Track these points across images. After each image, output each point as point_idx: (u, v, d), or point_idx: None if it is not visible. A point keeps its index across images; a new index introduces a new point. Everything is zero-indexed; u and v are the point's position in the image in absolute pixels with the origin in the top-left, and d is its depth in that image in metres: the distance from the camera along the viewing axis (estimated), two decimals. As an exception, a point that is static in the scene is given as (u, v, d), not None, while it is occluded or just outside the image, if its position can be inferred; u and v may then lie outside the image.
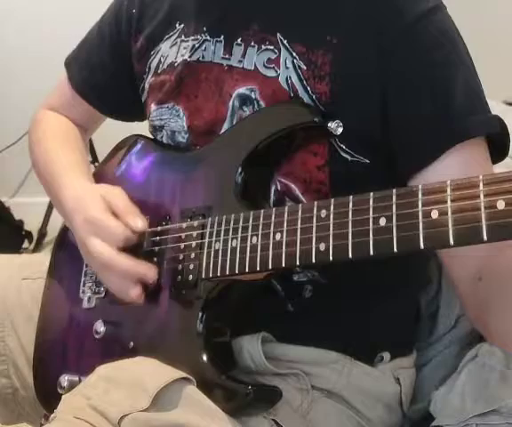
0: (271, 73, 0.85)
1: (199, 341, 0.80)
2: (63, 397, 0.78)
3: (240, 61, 0.88)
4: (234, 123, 0.89)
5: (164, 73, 0.97)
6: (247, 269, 0.76)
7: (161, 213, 0.90)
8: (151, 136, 1.02)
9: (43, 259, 1.11)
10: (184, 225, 0.86)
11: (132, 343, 0.88)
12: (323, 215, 0.71)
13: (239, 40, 0.89)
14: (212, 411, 0.75)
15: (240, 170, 0.84)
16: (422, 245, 0.63)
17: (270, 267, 0.75)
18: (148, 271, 0.85)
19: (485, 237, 0.59)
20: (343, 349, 0.89)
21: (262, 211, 0.77)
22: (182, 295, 0.84)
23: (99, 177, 1.03)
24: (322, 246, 0.70)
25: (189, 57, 0.93)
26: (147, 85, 1.01)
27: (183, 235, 0.86)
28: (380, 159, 0.83)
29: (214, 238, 0.81)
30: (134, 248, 0.87)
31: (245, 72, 0.87)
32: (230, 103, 0.89)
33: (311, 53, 0.83)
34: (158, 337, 0.85)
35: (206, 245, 0.82)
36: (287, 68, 0.84)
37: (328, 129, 0.80)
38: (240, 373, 0.85)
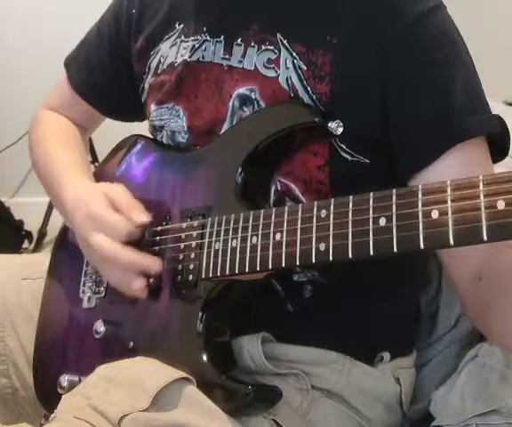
0: (271, 73, 0.85)
1: (199, 341, 0.80)
2: (63, 397, 0.78)
3: (240, 62, 0.88)
4: (234, 123, 0.89)
5: (163, 73, 0.97)
6: (247, 269, 0.76)
7: (161, 213, 0.90)
8: (151, 136, 1.02)
9: (43, 259, 1.11)
10: (184, 225, 0.86)
11: (131, 343, 0.88)
12: (323, 215, 0.71)
13: (239, 40, 0.89)
14: (212, 411, 0.75)
15: (240, 170, 0.84)
16: (422, 245, 0.63)
17: (270, 267, 0.75)
18: (153, 263, 0.85)
19: (485, 238, 0.59)
20: (343, 349, 0.89)
21: (262, 211, 0.77)
22: (182, 295, 0.84)
23: (99, 177, 1.03)
24: (322, 246, 0.70)
25: (189, 57, 0.93)
26: (146, 86, 1.01)
27: (183, 235, 0.86)
28: (380, 159, 0.83)
29: (214, 238, 0.81)
30: (136, 244, 0.87)
31: (245, 72, 0.87)
32: (230, 103, 0.89)
33: (311, 53, 0.83)
34: (158, 337, 0.85)
35: (206, 245, 0.82)
36: (287, 68, 0.84)
37: (328, 129, 0.80)
38: (240, 373, 0.85)
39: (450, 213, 0.61)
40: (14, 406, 1.08)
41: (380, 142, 0.82)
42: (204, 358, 0.79)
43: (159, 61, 0.98)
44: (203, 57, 0.92)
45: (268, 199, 0.86)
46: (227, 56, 0.90)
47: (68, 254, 1.05)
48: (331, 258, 0.69)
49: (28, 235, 2.75)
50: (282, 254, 0.73)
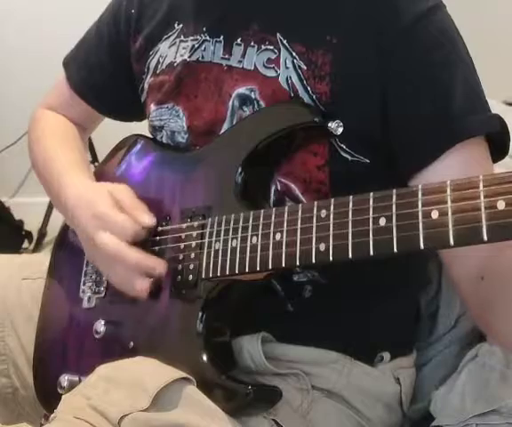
0: (271, 73, 0.85)
1: (199, 341, 0.80)
2: (63, 397, 0.78)
3: (240, 61, 0.88)
4: (234, 123, 0.89)
5: (162, 73, 0.97)
6: (247, 270, 0.76)
7: (161, 214, 0.90)
8: (151, 136, 1.02)
9: (43, 259, 1.11)
10: (184, 225, 0.86)
11: (132, 343, 0.88)
12: (323, 215, 0.71)
13: (239, 40, 0.89)
14: (212, 411, 0.75)
15: (240, 170, 0.84)
16: (422, 246, 0.63)
17: (270, 267, 0.75)
18: (158, 265, 0.85)
19: (485, 238, 0.59)
20: (343, 349, 0.89)
21: (262, 211, 0.77)
22: (182, 295, 0.84)
23: (99, 177, 1.03)
24: (322, 246, 0.70)
25: (189, 57, 0.93)
26: (146, 86, 1.01)
27: (183, 235, 0.86)
28: (380, 159, 0.83)
29: (214, 238, 0.81)
30: (140, 245, 0.87)
31: (245, 72, 0.87)
32: (230, 103, 0.89)
33: (311, 53, 0.83)
34: (158, 337, 0.85)
35: (206, 245, 0.82)
36: (287, 67, 0.84)
37: (328, 129, 0.80)
38: (240, 373, 0.85)
39: (450, 213, 0.61)
40: (14, 406, 1.08)
41: (380, 142, 0.82)
42: (204, 358, 0.79)
43: (158, 61, 0.98)
44: (202, 57, 0.92)
45: (268, 199, 0.86)
46: (226, 56, 0.90)
47: (67, 254, 1.05)
48: (331, 258, 0.69)
49: (28, 235, 2.75)
50: (282, 254, 0.73)
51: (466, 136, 0.79)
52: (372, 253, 0.66)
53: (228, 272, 0.78)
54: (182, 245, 0.85)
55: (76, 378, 0.92)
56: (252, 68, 0.87)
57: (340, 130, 0.80)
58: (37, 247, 2.69)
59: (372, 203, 0.67)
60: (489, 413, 0.82)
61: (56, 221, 1.67)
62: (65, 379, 0.93)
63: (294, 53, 0.84)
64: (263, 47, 0.87)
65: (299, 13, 0.86)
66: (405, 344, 0.97)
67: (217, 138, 0.90)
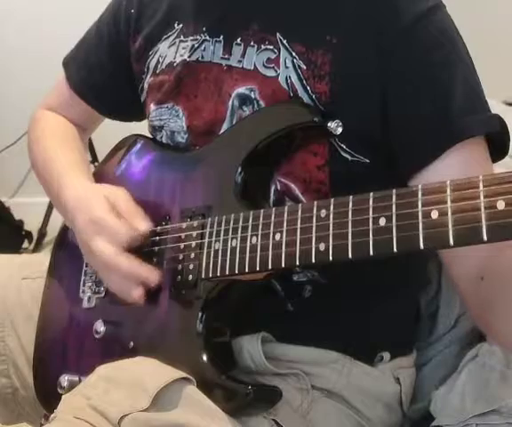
0: (271, 73, 0.85)
1: (199, 341, 0.80)
2: (63, 397, 0.78)
3: (239, 61, 0.88)
4: (233, 123, 0.89)
5: (162, 73, 0.97)
6: (247, 270, 0.76)
7: (161, 213, 0.90)
8: (151, 136, 1.02)
9: (43, 259, 1.11)
10: (184, 225, 0.86)
11: (132, 343, 0.88)
12: (322, 215, 0.71)
13: (239, 40, 0.89)
14: (212, 411, 0.75)
15: (240, 170, 0.84)
16: (422, 246, 0.63)
17: (270, 267, 0.74)
18: (151, 274, 0.85)
19: (485, 238, 0.59)
20: (343, 349, 0.89)
21: (262, 211, 0.77)
22: (182, 295, 0.84)
23: (98, 177, 1.03)
24: (321, 246, 0.70)
25: (189, 57, 0.93)
26: (146, 86, 1.01)
27: (183, 235, 0.86)
28: (380, 159, 0.83)
29: (214, 238, 0.81)
30: (137, 249, 0.87)
31: (245, 72, 0.87)
32: (230, 103, 0.89)
33: (311, 53, 0.83)
34: (158, 337, 0.85)
35: (206, 245, 0.82)
36: (287, 67, 0.84)
37: (328, 129, 0.80)
38: (240, 373, 0.85)
39: (450, 213, 0.61)
40: (14, 406, 1.08)
41: (379, 142, 0.82)
42: (204, 358, 0.79)
43: (158, 61, 0.98)
44: (202, 57, 0.92)
45: (268, 199, 0.86)
46: (226, 56, 0.90)
47: (67, 254, 1.04)
48: (330, 258, 0.69)
49: (28, 235, 2.75)
50: (281, 254, 0.73)
51: (466, 136, 0.79)
52: (371, 253, 0.66)
53: (227, 272, 0.78)
54: (182, 245, 0.85)
55: (76, 378, 0.92)
56: (252, 67, 0.87)
57: (340, 130, 0.80)
58: (37, 247, 2.69)
59: (372, 203, 0.67)
60: (489, 413, 0.82)
61: (56, 221, 1.67)
62: (65, 379, 0.93)
63: (294, 53, 0.84)
64: (263, 47, 0.87)
65: (298, 13, 0.86)
66: (405, 344, 0.97)
67: (217, 138, 0.90)
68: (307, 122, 0.82)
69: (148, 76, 1.00)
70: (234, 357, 0.86)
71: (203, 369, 0.79)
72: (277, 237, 0.74)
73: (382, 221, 0.66)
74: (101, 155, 1.41)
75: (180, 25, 0.96)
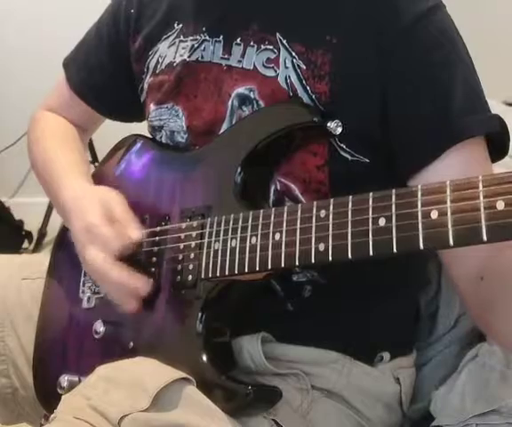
0: (270, 73, 0.85)
1: (199, 341, 0.80)
2: (63, 397, 0.78)
3: (239, 61, 0.88)
4: (233, 123, 0.89)
5: (162, 73, 0.97)
6: (246, 270, 0.76)
7: (160, 213, 0.90)
8: (150, 136, 1.02)
9: (42, 259, 1.11)
10: (183, 225, 0.86)
11: (131, 343, 0.88)
12: (322, 215, 0.71)
13: (238, 40, 0.89)
14: (212, 411, 0.75)
15: (239, 170, 0.84)
16: (422, 246, 0.63)
17: (269, 267, 0.74)
18: (141, 284, 0.85)
19: (485, 238, 0.59)
20: (343, 349, 0.89)
21: (262, 211, 0.77)
22: (182, 296, 0.84)
23: (98, 177, 1.03)
24: (321, 247, 0.70)
25: (188, 57, 0.93)
26: (145, 86, 1.01)
27: (182, 235, 0.86)
28: (380, 159, 0.83)
29: (214, 238, 0.81)
30: (133, 255, 0.87)
31: (244, 72, 0.87)
32: (229, 103, 0.88)
33: (311, 53, 0.83)
34: (158, 337, 0.85)
35: (206, 245, 0.82)
36: (286, 67, 0.84)
37: (327, 129, 0.80)
38: (240, 373, 0.85)
39: (449, 213, 0.61)
40: (14, 406, 1.08)
41: (379, 142, 0.82)
42: (204, 358, 0.79)
43: (157, 61, 0.98)
44: (202, 57, 0.92)
45: (268, 199, 0.86)
46: (226, 56, 0.90)
47: (67, 254, 1.04)
48: (330, 258, 0.69)
49: (28, 235, 2.75)
50: (281, 255, 0.73)
51: (466, 136, 0.79)
52: (371, 253, 0.66)
53: (227, 272, 0.78)
54: (182, 246, 0.85)
55: (76, 378, 0.92)
56: (252, 67, 0.87)
57: (339, 130, 0.80)
58: (37, 247, 2.69)
59: (372, 203, 0.67)
60: (489, 413, 0.82)
61: (56, 221, 1.67)
62: (65, 379, 0.93)
63: (294, 53, 0.84)
64: (263, 47, 0.87)
65: (298, 13, 0.86)
66: (405, 344, 0.97)
67: (216, 138, 0.90)
68: (306, 122, 0.82)
69: (148, 77, 1.00)
70: (234, 357, 0.86)
71: (202, 369, 0.79)
72: (277, 237, 0.74)
73: (382, 222, 0.66)
74: (101, 155, 1.40)
75: (180, 25, 0.96)
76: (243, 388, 0.77)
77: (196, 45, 0.93)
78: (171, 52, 0.96)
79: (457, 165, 0.78)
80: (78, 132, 1.13)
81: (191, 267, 0.83)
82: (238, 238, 0.78)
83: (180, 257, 0.85)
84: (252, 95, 0.86)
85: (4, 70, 2.76)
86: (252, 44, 0.87)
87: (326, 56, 0.82)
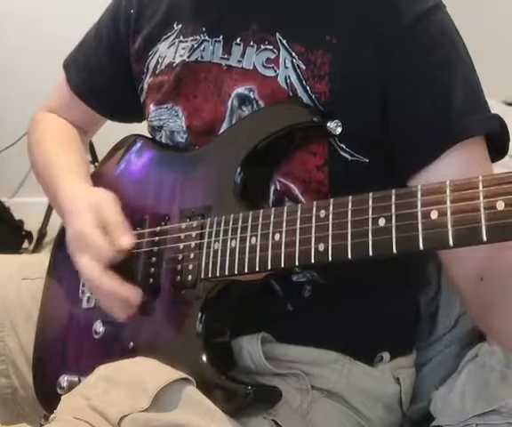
0: (270, 73, 0.85)
1: (198, 341, 0.80)
2: (63, 397, 0.78)
3: (239, 61, 0.88)
4: (233, 123, 0.89)
5: (162, 73, 0.97)
6: (246, 270, 0.76)
7: (160, 213, 0.90)
8: (150, 136, 1.02)
9: (42, 259, 1.11)
10: (183, 225, 0.86)
11: (131, 344, 0.88)
12: (322, 215, 0.71)
13: (238, 40, 0.89)
14: (212, 411, 0.75)
15: (239, 170, 0.84)
16: (422, 246, 0.63)
17: (269, 267, 0.74)
18: (131, 294, 0.85)
19: (485, 238, 0.59)
20: (343, 349, 0.89)
21: (261, 211, 0.77)
22: (181, 296, 0.84)
23: (98, 177, 1.03)
24: (321, 247, 0.70)
25: (188, 57, 0.93)
26: (145, 86, 1.01)
27: (182, 235, 0.85)
28: (380, 159, 0.83)
29: (213, 239, 0.81)
30: (125, 261, 0.87)
31: (244, 72, 0.87)
32: (229, 103, 0.88)
33: (310, 53, 0.83)
34: (158, 337, 0.85)
35: (205, 245, 0.82)
36: (286, 67, 0.84)
37: (327, 129, 0.80)
38: (240, 373, 0.85)
39: (449, 213, 0.61)
40: (14, 406, 1.08)
41: (379, 142, 0.82)
42: (204, 358, 0.79)
43: (157, 62, 0.98)
44: (201, 57, 0.92)
45: (268, 199, 0.86)
46: (226, 56, 0.90)
47: (67, 254, 1.04)
48: (330, 258, 0.69)
49: (28, 235, 2.75)
50: (281, 255, 0.73)
51: (466, 136, 0.79)
52: (371, 253, 0.66)
53: (227, 273, 0.78)
54: (181, 246, 0.85)
55: (76, 378, 0.92)
56: (251, 67, 0.87)
57: (339, 130, 0.80)
58: (37, 247, 2.69)
59: (372, 203, 0.67)
60: (489, 413, 0.82)
61: (56, 221, 1.67)
62: (64, 379, 0.93)
63: (294, 53, 0.84)
64: (262, 47, 0.87)
65: (298, 13, 0.86)
66: (405, 344, 0.97)
67: (216, 138, 0.89)
68: (306, 122, 0.82)
69: (148, 77, 1.00)
70: (233, 357, 0.86)
71: (202, 370, 0.79)
72: (277, 237, 0.74)
73: (382, 222, 0.66)
74: (102, 155, 1.40)
75: (180, 25, 0.96)
76: (242, 388, 0.77)
77: (195, 46, 0.93)
78: (170, 52, 0.96)
79: (457, 165, 0.78)
80: (79, 134, 1.13)
81: (191, 267, 0.83)
82: (238, 239, 0.78)
83: (180, 257, 0.85)
84: (251, 95, 0.86)
85: (5, 70, 2.76)
86: (251, 44, 0.87)
87: (326, 56, 0.82)
